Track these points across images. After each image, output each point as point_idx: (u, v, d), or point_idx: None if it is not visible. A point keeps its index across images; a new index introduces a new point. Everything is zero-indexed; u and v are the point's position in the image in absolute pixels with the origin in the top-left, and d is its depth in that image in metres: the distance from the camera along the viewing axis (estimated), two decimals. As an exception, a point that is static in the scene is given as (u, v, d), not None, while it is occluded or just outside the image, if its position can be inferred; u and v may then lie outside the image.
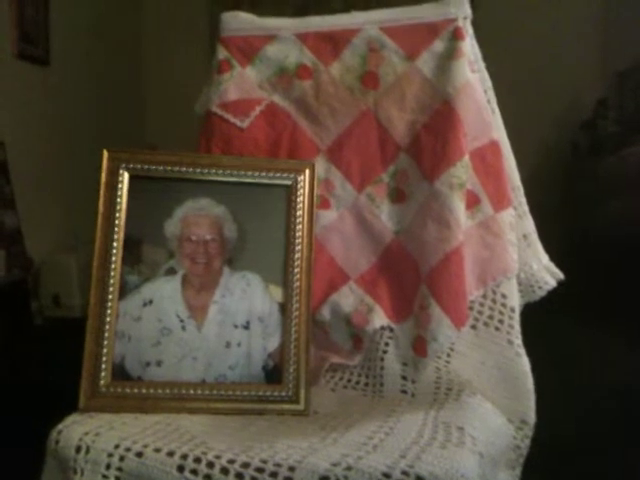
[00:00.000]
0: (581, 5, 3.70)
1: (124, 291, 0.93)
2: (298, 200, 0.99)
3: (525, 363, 0.99)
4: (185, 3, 4.15)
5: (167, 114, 3.81)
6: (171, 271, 0.95)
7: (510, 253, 1.03)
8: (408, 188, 1.07)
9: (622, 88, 3.50)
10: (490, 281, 1.02)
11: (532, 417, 0.96)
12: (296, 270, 0.96)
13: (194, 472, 0.72)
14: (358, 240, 1.08)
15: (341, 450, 0.73)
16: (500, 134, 1.09)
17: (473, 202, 1.04)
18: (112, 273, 0.92)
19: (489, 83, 1.11)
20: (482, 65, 1.10)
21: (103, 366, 0.89)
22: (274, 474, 0.70)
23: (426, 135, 1.05)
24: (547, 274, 1.09)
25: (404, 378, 0.99)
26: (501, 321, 1.01)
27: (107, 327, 0.91)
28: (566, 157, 3.66)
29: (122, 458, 0.75)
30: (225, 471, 0.72)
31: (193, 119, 1.17)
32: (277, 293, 0.96)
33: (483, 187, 1.05)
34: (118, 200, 0.95)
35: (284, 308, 0.95)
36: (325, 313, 1.04)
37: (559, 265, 1.13)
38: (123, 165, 0.96)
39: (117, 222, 0.94)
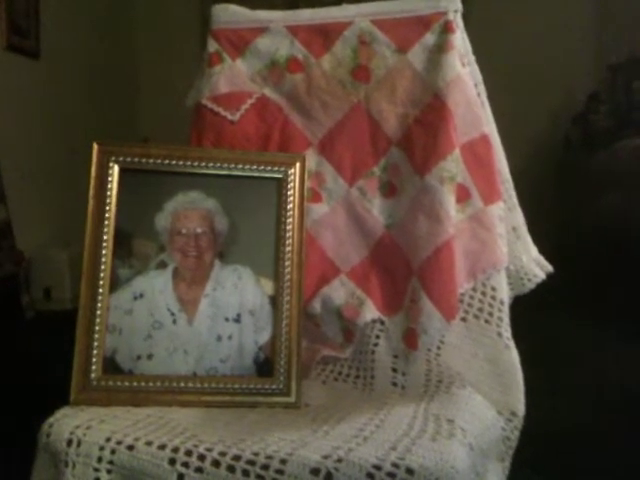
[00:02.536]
0: (573, -1, 3.71)
1: (115, 285, 0.93)
2: (289, 193, 0.99)
3: (514, 355, 1.00)
4: (177, -4, 4.13)
5: (160, 107, 3.79)
6: (162, 264, 0.95)
7: (500, 246, 1.04)
8: (399, 182, 1.07)
9: (614, 82, 3.51)
10: (480, 274, 1.03)
11: (521, 409, 0.96)
12: (287, 263, 0.96)
13: (185, 465, 0.72)
14: (349, 234, 1.08)
15: (332, 442, 0.74)
16: (490, 128, 1.10)
17: (463, 196, 1.04)
18: (103, 267, 0.92)
19: (479, 77, 1.11)
20: (472, 59, 1.10)
21: (94, 360, 0.89)
22: (265, 467, 0.71)
23: (417, 129, 1.05)
24: (536, 267, 1.10)
25: (395, 371, 1.00)
26: (491, 314, 1.02)
27: (98, 321, 0.91)
28: (558, 151, 3.67)
29: (113, 451, 0.75)
30: (216, 464, 0.72)
31: (186, 112, 1.17)
32: (268, 286, 0.96)
33: (473, 181, 1.05)
34: (108, 193, 0.94)
35: (275, 301, 0.96)
36: (316, 306, 1.05)
37: (550, 259, 1.13)
38: (113, 158, 0.96)
39: (107, 215, 0.94)
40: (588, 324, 2.37)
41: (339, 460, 0.69)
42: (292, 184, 0.99)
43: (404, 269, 1.03)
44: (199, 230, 0.96)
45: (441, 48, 1.06)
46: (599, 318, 2.39)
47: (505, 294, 1.03)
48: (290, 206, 0.99)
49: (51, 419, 0.81)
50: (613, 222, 2.81)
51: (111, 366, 0.91)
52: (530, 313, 1.16)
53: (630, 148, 2.96)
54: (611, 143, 3.12)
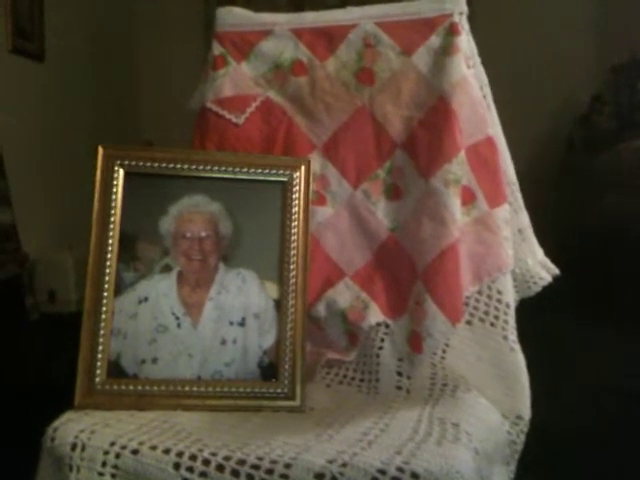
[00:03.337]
0: (577, 0, 3.70)
1: (119, 288, 0.93)
2: (294, 197, 0.99)
3: (520, 359, 0.99)
4: (180, -2, 4.13)
5: (163, 110, 3.79)
6: (166, 268, 0.95)
7: (505, 249, 1.03)
8: (404, 185, 1.07)
9: (617, 83, 3.50)
10: (485, 277, 1.02)
11: (527, 412, 0.96)
12: (292, 267, 0.96)
13: (190, 469, 0.72)
14: (354, 236, 1.08)
15: (337, 447, 0.73)
16: (495, 130, 1.09)
17: (469, 198, 1.04)
18: (107, 270, 0.92)
19: (485, 78, 1.10)
20: (478, 61, 1.10)
21: (99, 363, 0.89)
22: (270, 471, 0.70)
23: (422, 131, 1.05)
24: (542, 269, 1.09)
25: (399, 374, 1.00)
26: (496, 317, 1.01)
27: (102, 324, 0.90)
28: (561, 152, 3.66)
29: (118, 456, 0.75)
30: (221, 468, 0.72)
31: (189, 115, 1.17)
32: (273, 290, 0.96)
33: (479, 183, 1.05)
34: (113, 197, 0.94)
35: (280, 305, 0.95)
36: (321, 309, 1.04)
37: (554, 261, 1.13)
38: (118, 162, 0.96)
39: (112, 219, 0.94)
40: (590, 324, 2.37)
41: (344, 464, 0.69)
42: (297, 187, 0.99)
43: (409, 272, 1.03)
44: (203, 234, 0.96)
45: (446, 50, 1.05)
46: (601, 319, 2.38)
47: (511, 297, 1.03)
48: (295, 210, 0.98)
49: (55, 423, 0.80)
50: (616, 223, 2.81)
51: (115, 370, 0.90)
52: (532, 314, 1.16)
53: (633, 149, 2.95)
54: (614, 144, 3.11)
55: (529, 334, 1.07)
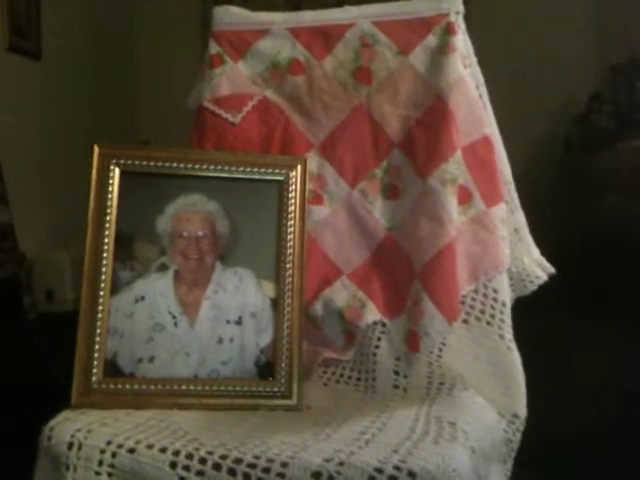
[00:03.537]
0: (575, -1, 3.71)
1: (116, 287, 0.93)
2: (290, 196, 0.99)
3: (516, 357, 0.99)
4: (178, -2, 4.13)
5: (160, 109, 3.79)
6: (163, 267, 0.95)
7: (502, 248, 1.03)
8: (401, 184, 1.07)
9: (616, 83, 3.50)
10: (482, 276, 1.03)
11: (523, 411, 0.96)
12: (288, 266, 0.96)
13: (186, 468, 0.72)
14: (351, 236, 1.08)
15: (334, 445, 0.73)
16: (492, 129, 1.10)
17: (465, 198, 1.04)
18: (104, 269, 0.92)
19: (481, 78, 1.11)
20: (474, 60, 1.10)
21: (95, 362, 0.89)
22: (266, 470, 0.70)
23: (419, 131, 1.05)
24: (538, 268, 1.09)
25: (396, 373, 1.00)
26: (492, 316, 1.01)
27: (99, 323, 0.90)
28: (560, 152, 3.66)
29: (114, 455, 0.75)
30: (217, 467, 0.72)
31: (187, 114, 1.17)
32: (269, 289, 0.96)
33: (475, 182, 1.05)
34: (109, 196, 0.94)
35: (276, 304, 0.95)
36: (318, 308, 1.04)
37: (553, 261, 1.13)
38: (114, 161, 0.95)
39: (108, 218, 0.93)
40: (589, 324, 2.37)
41: (341, 463, 0.69)
42: (293, 187, 0.99)
43: (406, 271, 1.03)
44: (200, 233, 0.96)
45: (443, 50, 1.06)
46: (601, 319, 2.38)
47: (507, 296, 1.03)
48: (291, 209, 0.98)
49: (52, 422, 0.80)
50: (614, 223, 2.81)
51: (112, 369, 0.90)
52: (530, 313, 1.16)
53: (632, 149, 2.96)
54: (613, 144, 3.11)
55: (529, 334, 1.07)
